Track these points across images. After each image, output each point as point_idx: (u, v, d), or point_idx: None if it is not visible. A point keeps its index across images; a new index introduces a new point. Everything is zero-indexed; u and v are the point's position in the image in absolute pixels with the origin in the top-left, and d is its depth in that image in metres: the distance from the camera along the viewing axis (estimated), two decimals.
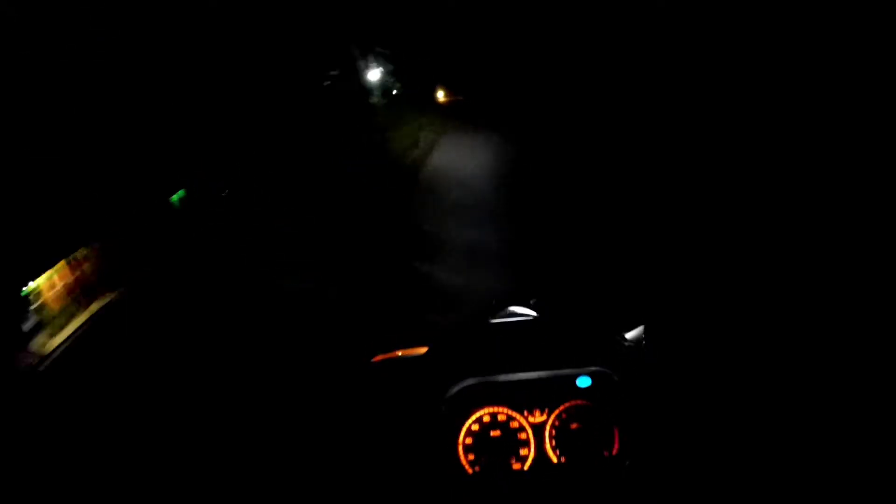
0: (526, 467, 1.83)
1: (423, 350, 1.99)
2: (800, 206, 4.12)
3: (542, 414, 1.85)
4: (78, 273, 4.00)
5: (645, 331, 1.96)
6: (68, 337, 3.86)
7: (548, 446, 1.83)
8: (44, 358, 3.68)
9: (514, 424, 1.85)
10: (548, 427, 1.84)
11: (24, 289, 3.66)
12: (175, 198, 4.79)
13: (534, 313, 2.03)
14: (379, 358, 2.00)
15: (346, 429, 1.88)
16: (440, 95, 15.13)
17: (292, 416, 2.03)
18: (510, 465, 1.83)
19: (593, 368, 1.85)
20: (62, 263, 3.92)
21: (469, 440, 1.84)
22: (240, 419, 2.46)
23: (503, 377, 1.86)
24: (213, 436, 2.50)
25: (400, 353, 2.01)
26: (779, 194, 4.31)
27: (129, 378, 3.47)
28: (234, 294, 4.39)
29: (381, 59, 11.60)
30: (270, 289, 4.44)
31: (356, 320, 4.03)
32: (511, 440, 1.84)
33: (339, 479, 1.86)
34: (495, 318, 2.02)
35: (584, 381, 1.84)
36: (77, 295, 4.04)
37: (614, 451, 1.82)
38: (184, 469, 2.48)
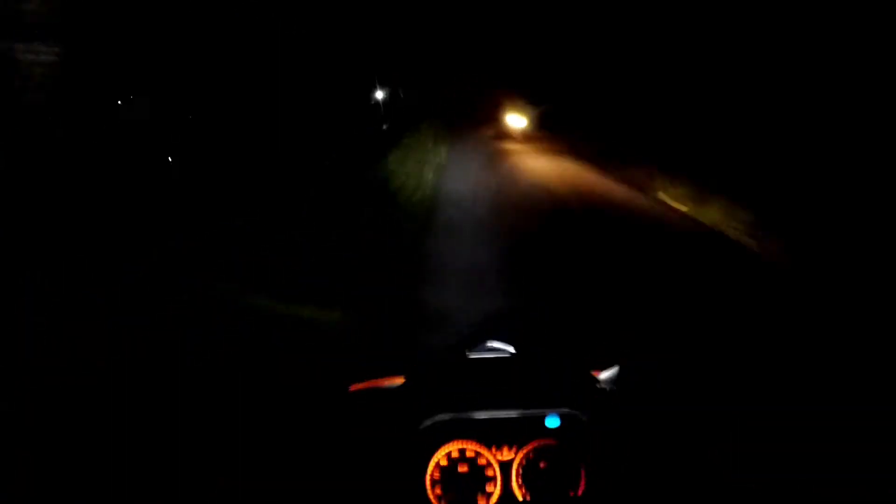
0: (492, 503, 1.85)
1: (400, 380, 2.02)
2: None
3: (510, 451, 1.87)
4: None
5: (619, 372, 1.98)
6: None
7: (514, 484, 1.86)
8: None
9: (482, 461, 1.87)
10: (515, 465, 1.87)
11: None
12: None
13: (511, 349, 2.07)
14: (355, 387, 2.03)
15: (317, 457, 1.91)
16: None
17: (261, 446, 2.04)
18: (476, 501, 1.85)
19: (563, 410, 1.87)
20: None
21: (437, 474, 1.86)
22: (208, 442, 2.46)
23: (475, 414, 1.89)
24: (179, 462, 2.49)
25: (377, 383, 2.04)
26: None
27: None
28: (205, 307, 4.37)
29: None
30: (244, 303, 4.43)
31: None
32: (478, 476, 1.86)
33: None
34: (473, 352, 2.06)
35: (553, 422, 1.86)
36: None
37: (580, 492, 1.85)
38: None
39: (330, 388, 2.08)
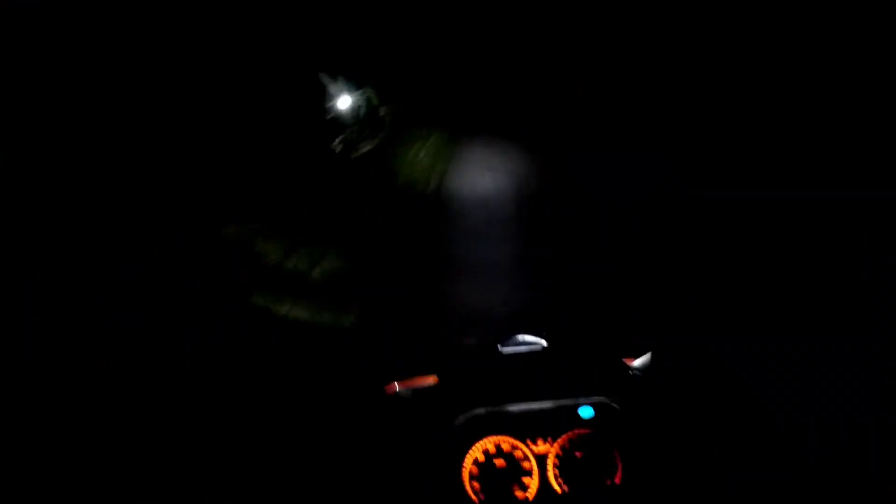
0: (530, 497, 1.86)
1: (432, 380, 2.04)
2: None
3: (545, 443, 1.89)
4: None
5: (651, 359, 1.99)
6: None
7: (551, 476, 1.87)
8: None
9: (518, 454, 1.89)
10: (551, 457, 1.88)
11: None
12: None
13: (543, 342, 2.09)
14: (391, 388, 2.05)
15: (356, 458, 1.93)
16: None
17: (300, 445, 2.05)
18: (514, 494, 1.86)
19: (596, 399, 1.90)
20: None
21: (474, 469, 1.88)
22: (245, 444, 2.47)
23: (509, 407, 1.91)
24: (214, 462, 2.50)
25: (411, 383, 2.06)
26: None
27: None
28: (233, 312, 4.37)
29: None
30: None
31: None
32: (515, 470, 1.88)
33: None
34: (505, 346, 2.08)
35: (586, 412, 1.89)
36: None
37: (617, 480, 1.86)
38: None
39: (364, 390, 2.09)
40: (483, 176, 5.58)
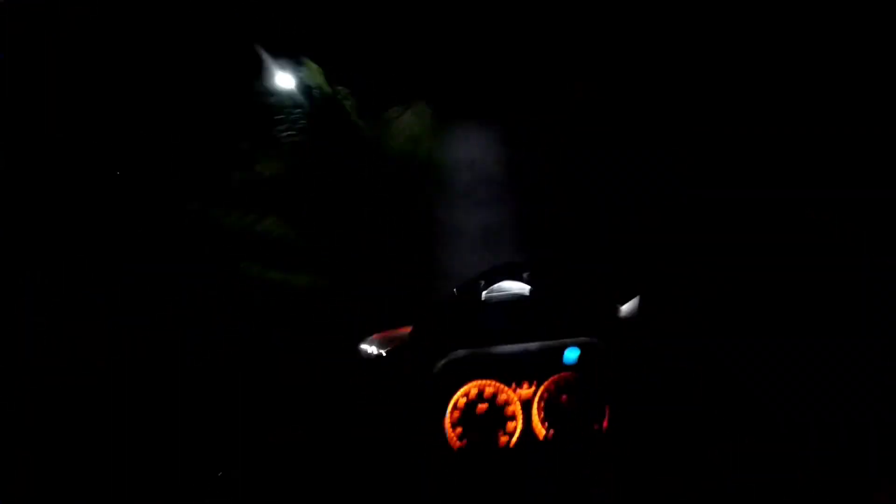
0: (512, 443, 1.81)
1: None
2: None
3: (530, 387, 1.83)
4: None
5: (639, 302, 1.92)
6: None
7: (535, 419, 1.82)
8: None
9: (502, 399, 1.83)
10: (536, 399, 1.83)
11: None
12: None
13: (526, 288, 2.02)
14: (376, 337, 2.01)
15: (335, 409, 1.91)
16: None
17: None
18: (497, 439, 1.81)
19: (583, 339, 1.84)
20: None
21: (456, 414, 1.83)
22: (231, 406, 2.46)
23: (491, 349, 1.85)
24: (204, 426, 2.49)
25: (389, 333, 2.02)
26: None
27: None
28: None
29: None
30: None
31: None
32: (498, 414, 1.83)
33: (328, 459, 1.87)
34: (486, 292, 2.02)
35: (572, 354, 1.83)
36: None
37: (604, 426, 1.80)
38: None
39: (343, 344, 2.06)
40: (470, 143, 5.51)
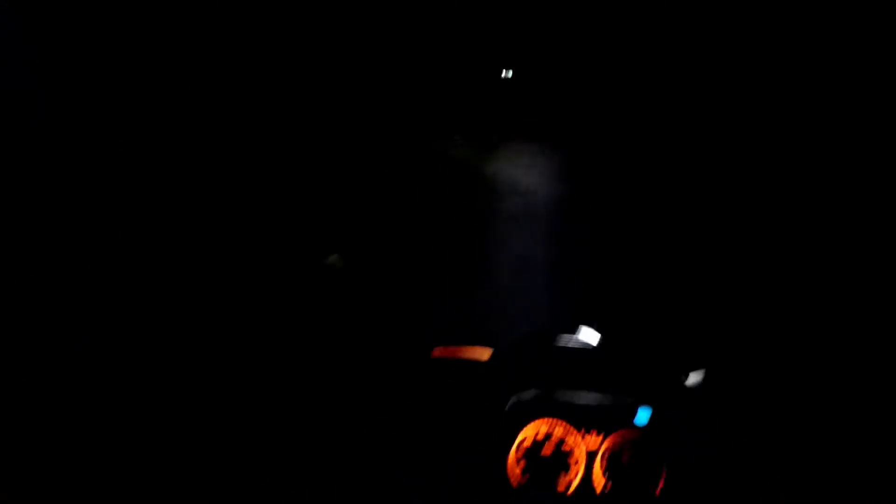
0: (571, 490, 1.84)
1: (485, 352, 1.99)
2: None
3: (596, 438, 1.85)
4: None
5: (705, 376, 1.95)
6: None
7: (597, 469, 1.83)
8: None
9: (567, 445, 1.85)
10: (601, 451, 1.84)
11: None
12: None
13: (595, 342, 2.04)
14: (438, 353, 2.00)
15: (402, 423, 1.91)
16: None
17: (346, 405, 2.01)
18: (555, 484, 1.84)
19: (655, 405, 1.86)
20: None
21: (521, 452, 1.85)
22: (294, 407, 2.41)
23: (564, 394, 1.87)
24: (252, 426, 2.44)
25: (461, 352, 2.02)
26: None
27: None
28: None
29: None
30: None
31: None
32: (561, 459, 1.85)
33: (387, 474, 1.86)
34: (559, 341, 2.03)
35: (644, 415, 1.85)
36: None
37: (657, 492, 1.83)
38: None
39: (410, 353, 2.05)
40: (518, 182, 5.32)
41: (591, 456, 1.85)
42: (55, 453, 2.71)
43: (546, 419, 1.85)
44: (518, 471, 1.83)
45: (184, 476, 2.33)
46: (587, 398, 1.87)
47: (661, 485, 1.83)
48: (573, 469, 1.85)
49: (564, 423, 1.84)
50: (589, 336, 2.03)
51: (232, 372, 3.17)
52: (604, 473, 1.84)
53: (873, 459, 1.97)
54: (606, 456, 1.85)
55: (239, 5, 3.99)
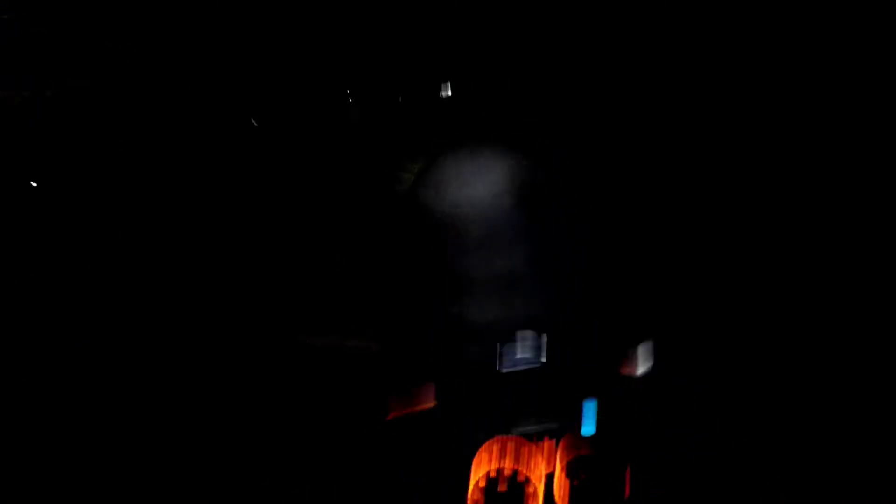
0: None
1: (430, 394, 2.00)
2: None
3: (549, 465, 1.85)
4: None
5: (651, 369, 1.94)
6: None
7: (558, 490, 1.83)
8: None
9: (521, 477, 1.83)
10: (556, 478, 1.85)
11: None
12: None
13: (541, 359, 2.01)
14: (392, 415, 2.02)
15: (359, 484, 1.93)
16: None
17: (301, 468, 2.03)
18: None
19: (599, 417, 1.85)
20: None
21: (477, 495, 1.83)
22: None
23: (511, 431, 1.87)
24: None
25: (411, 409, 2.03)
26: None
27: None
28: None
29: None
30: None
31: None
32: (519, 493, 1.84)
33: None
34: (503, 367, 2.01)
35: (589, 430, 1.84)
36: None
37: (626, 495, 1.83)
38: None
39: (366, 417, 2.07)
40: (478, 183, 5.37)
41: (549, 479, 1.83)
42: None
43: (495, 455, 1.84)
44: None
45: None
46: (532, 428, 1.87)
47: (626, 489, 1.81)
48: (531, 499, 1.82)
49: (513, 455, 1.83)
50: (530, 358, 2.02)
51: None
52: (566, 492, 1.83)
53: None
54: (564, 474, 1.83)
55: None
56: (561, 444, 1.85)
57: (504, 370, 2.01)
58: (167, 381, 3.46)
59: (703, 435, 1.87)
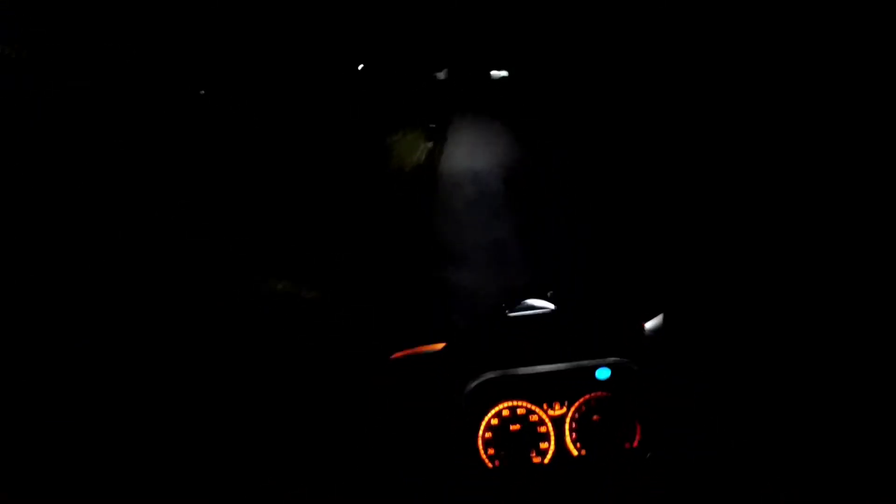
0: (546, 461, 1.83)
1: (441, 346, 1.99)
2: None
3: (561, 407, 1.85)
4: None
5: (664, 319, 1.95)
6: None
7: (568, 439, 1.84)
8: None
9: (534, 418, 1.85)
10: (567, 420, 1.84)
11: None
12: None
13: (551, 306, 2.03)
14: (397, 355, 2.00)
15: (364, 427, 1.90)
16: None
17: (306, 414, 2.02)
18: (530, 458, 1.83)
19: (612, 359, 1.86)
20: None
21: (489, 435, 1.84)
22: (245, 419, 2.46)
23: (522, 370, 1.87)
24: (217, 437, 2.49)
25: (417, 350, 2.02)
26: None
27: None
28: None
29: None
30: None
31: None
32: (531, 434, 1.84)
33: (356, 477, 1.87)
34: (513, 311, 2.02)
35: (603, 373, 1.84)
36: None
37: (635, 444, 1.83)
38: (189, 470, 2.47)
39: (370, 360, 2.07)
40: (474, 154, 5.38)
41: (558, 425, 1.83)
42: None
43: (506, 400, 1.84)
44: (490, 452, 1.82)
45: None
46: (545, 370, 1.86)
47: (637, 437, 1.81)
48: (543, 443, 1.83)
49: (524, 400, 1.84)
50: (539, 303, 2.03)
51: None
52: (575, 441, 1.82)
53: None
54: (576, 419, 1.83)
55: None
56: (574, 387, 1.85)
57: (512, 314, 2.03)
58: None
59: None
